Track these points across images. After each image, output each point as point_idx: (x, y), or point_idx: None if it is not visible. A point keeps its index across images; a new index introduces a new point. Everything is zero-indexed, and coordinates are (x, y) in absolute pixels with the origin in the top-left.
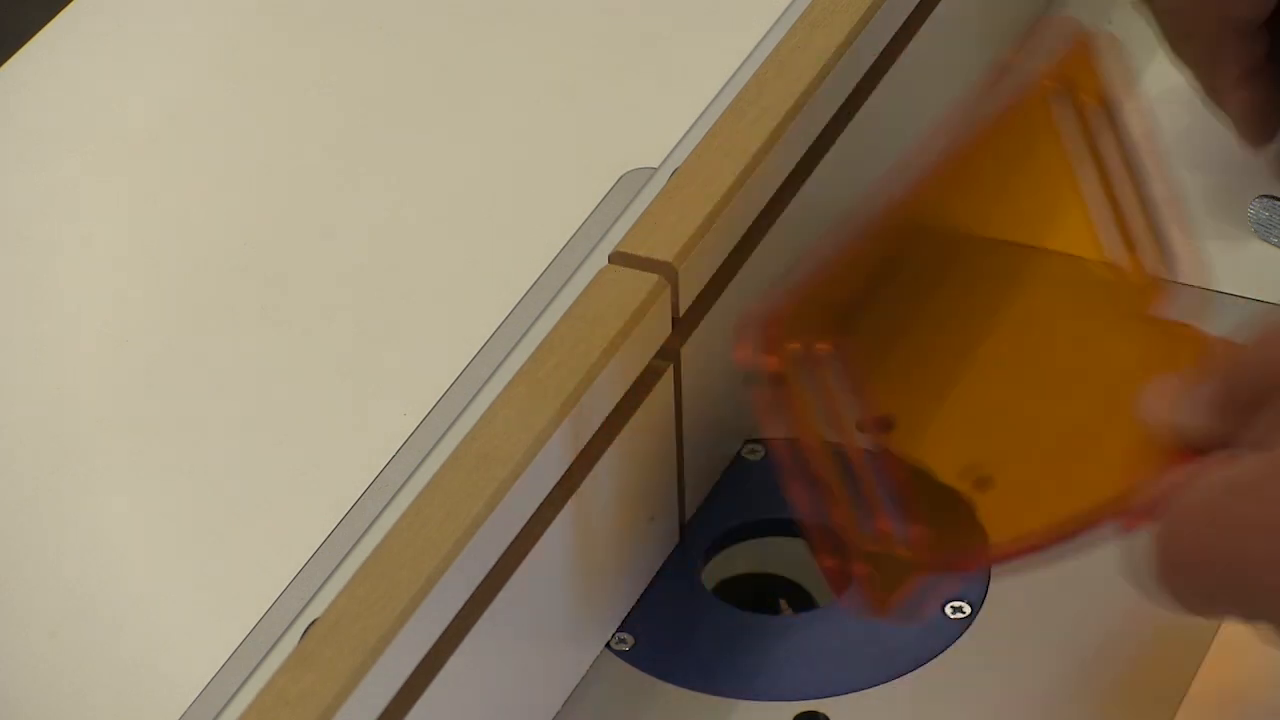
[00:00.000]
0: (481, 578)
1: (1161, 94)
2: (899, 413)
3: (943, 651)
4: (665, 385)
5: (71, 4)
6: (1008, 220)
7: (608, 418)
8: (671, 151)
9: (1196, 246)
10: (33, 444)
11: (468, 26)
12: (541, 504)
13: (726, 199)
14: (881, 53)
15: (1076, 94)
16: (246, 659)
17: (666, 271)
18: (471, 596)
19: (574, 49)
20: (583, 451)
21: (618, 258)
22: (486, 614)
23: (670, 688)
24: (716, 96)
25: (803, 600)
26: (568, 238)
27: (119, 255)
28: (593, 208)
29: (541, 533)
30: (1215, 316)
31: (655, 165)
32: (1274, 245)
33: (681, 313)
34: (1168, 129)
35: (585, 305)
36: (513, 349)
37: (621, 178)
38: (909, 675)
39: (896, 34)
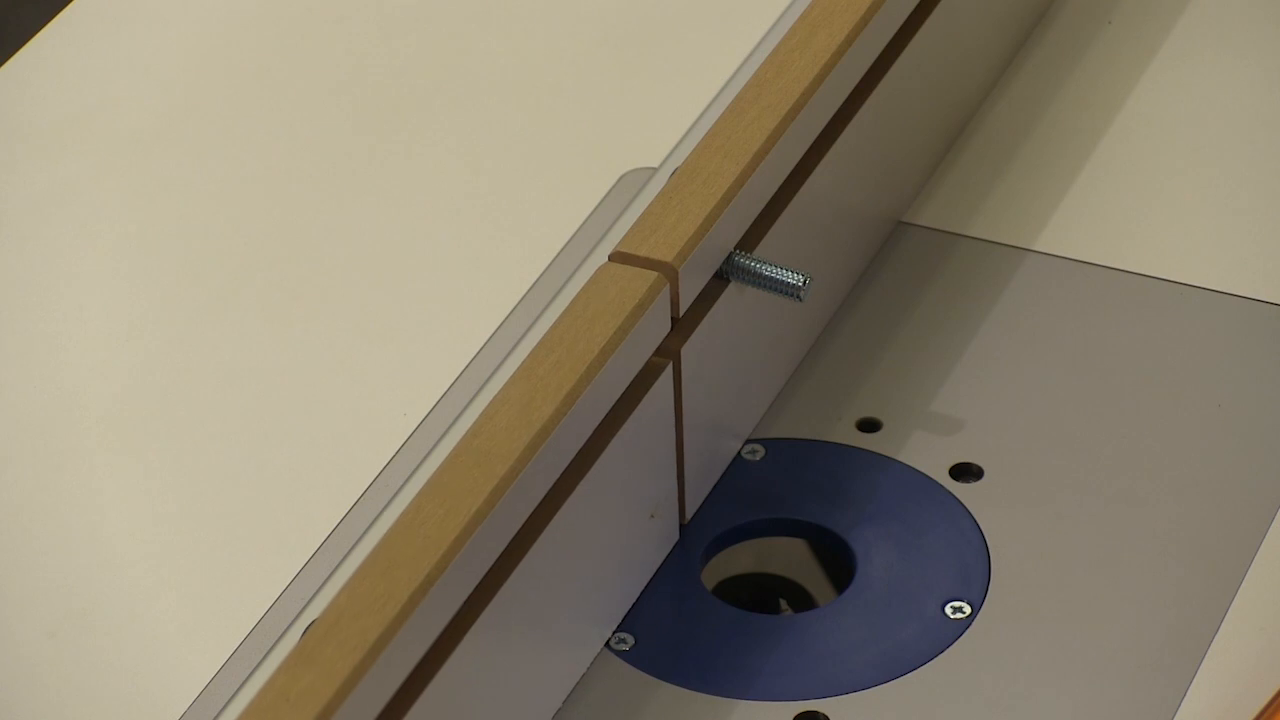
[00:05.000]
0: (481, 576)
1: (1161, 91)
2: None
3: (943, 651)
4: (665, 384)
5: (71, 4)
6: None
7: (607, 416)
8: (672, 151)
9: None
10: (33, 444)
11: (468, 26)
12: (541, 502)
13: (726, 199)
14: (881, 53)
15: None
16: (246, 659)
17: (666, 271)
18: (471, 595)
19: (574, 49)
20: (582, 449)
21: (618, 257)
22: (486, 613)
23: (670, 688)
24: (716, 96)
25: (803, 600)
26: (568, 237)
27: (119, 255)
28: (593, 208)
29: (541, 531)
30: (1213, 316)
31: (655, 165)
32: None
33: (681, 313)
34: (1167, 125)
35: (585, 303)
36: (513, 349)
37: (621, 178)
38: (909, 675)
39: (896, 34)
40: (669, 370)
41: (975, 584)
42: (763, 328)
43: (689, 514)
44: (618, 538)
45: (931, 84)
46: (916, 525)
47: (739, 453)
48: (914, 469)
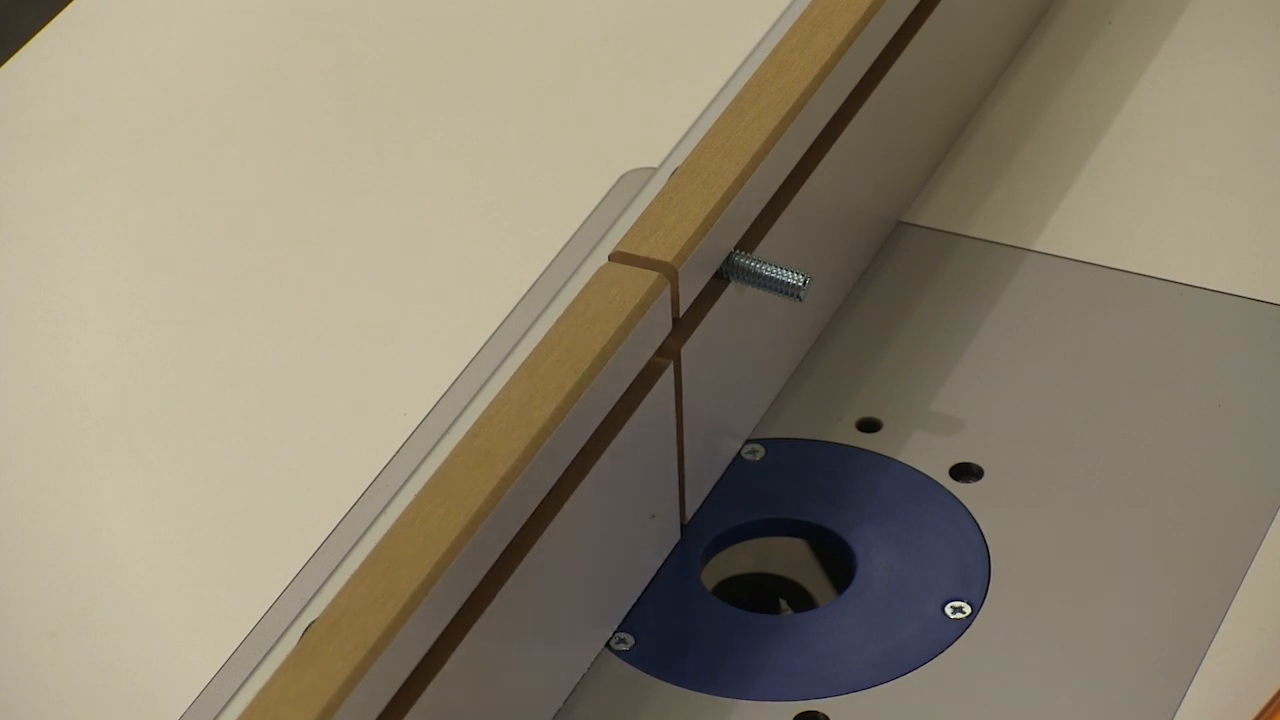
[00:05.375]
0: (481, 576)
1: (1162, 90)
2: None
3: (943, 651)
4: (665, 384)
5: (71, 4)
6: None
7: (608, 415)
8: (672, 151)
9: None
10: (33, 444)
11: (467, 26)
12: (541, 501)
13: (726, 199)
14: (881, 53)
15: None
16: (247, 659)
17: (666, 271)
18: (471, 595)
19: (574, 49)
20: (582, 449)
21: (618, 257)
22: (486, 612)
23: (670, 688)
24: (716, 96)
25: (803, 600)
26: (568, 237)
27: (119, 255)
28: (593, 208)
29: (541, 531)
30: (1213, 316)
31: (655, 165)
32: None
33: (681, 313)
34: (1167, 125)
35: (585, 303)
36: (513, 349)
37: (621, 178)
38: (909, 675)
39: (896, 34)
40: (669, 370)
41: (975, 584)
42: (763, 328)
43: (689, 514)
44: (618, 538)
45: (931, 84)
46: (916, 525)
47: (739, 453)
48: (914, 469)
